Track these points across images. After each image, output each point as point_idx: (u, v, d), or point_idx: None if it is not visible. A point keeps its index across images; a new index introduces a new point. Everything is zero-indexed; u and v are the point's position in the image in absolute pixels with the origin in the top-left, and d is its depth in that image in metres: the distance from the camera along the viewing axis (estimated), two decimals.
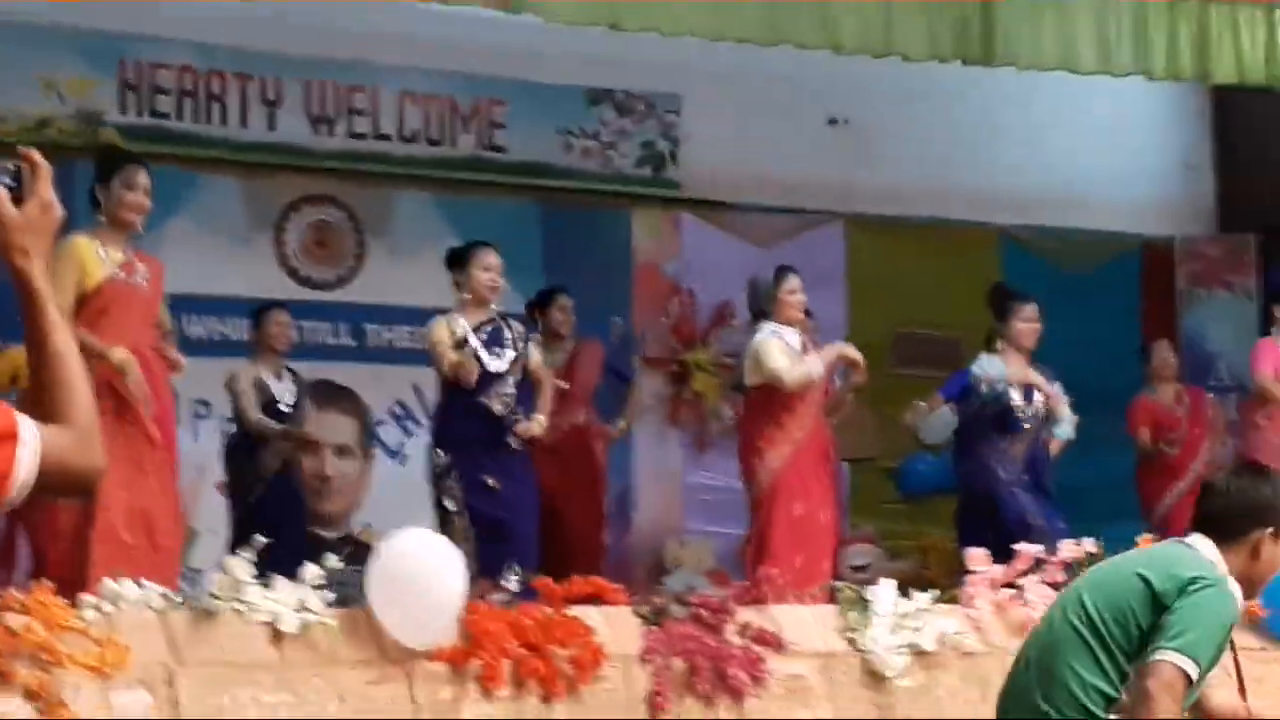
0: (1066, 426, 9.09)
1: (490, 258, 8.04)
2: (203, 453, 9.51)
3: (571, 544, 8.94)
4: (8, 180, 2.57)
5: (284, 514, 8.67)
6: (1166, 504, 9.92)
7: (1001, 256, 12.29)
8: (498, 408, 7.84)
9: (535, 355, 8.19)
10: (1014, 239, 12.34)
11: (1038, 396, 8.93)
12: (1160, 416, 10.35)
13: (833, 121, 11.98)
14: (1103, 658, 4.37)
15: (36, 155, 2.60)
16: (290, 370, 9.16)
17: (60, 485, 2.51)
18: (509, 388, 7.86)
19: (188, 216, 10.21)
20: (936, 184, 12.03)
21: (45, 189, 2.60)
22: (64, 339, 2.56)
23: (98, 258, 6.91)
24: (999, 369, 8.99)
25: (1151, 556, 4.64)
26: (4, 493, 2.46)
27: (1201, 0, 9.57)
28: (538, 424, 7.92)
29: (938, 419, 11.73)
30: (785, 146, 11.65)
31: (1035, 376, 8.96)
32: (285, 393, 9.02)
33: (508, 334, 7.98)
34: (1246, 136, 12.76)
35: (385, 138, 10.96)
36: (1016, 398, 8.90)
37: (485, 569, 7.31)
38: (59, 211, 2.62)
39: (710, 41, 9.44)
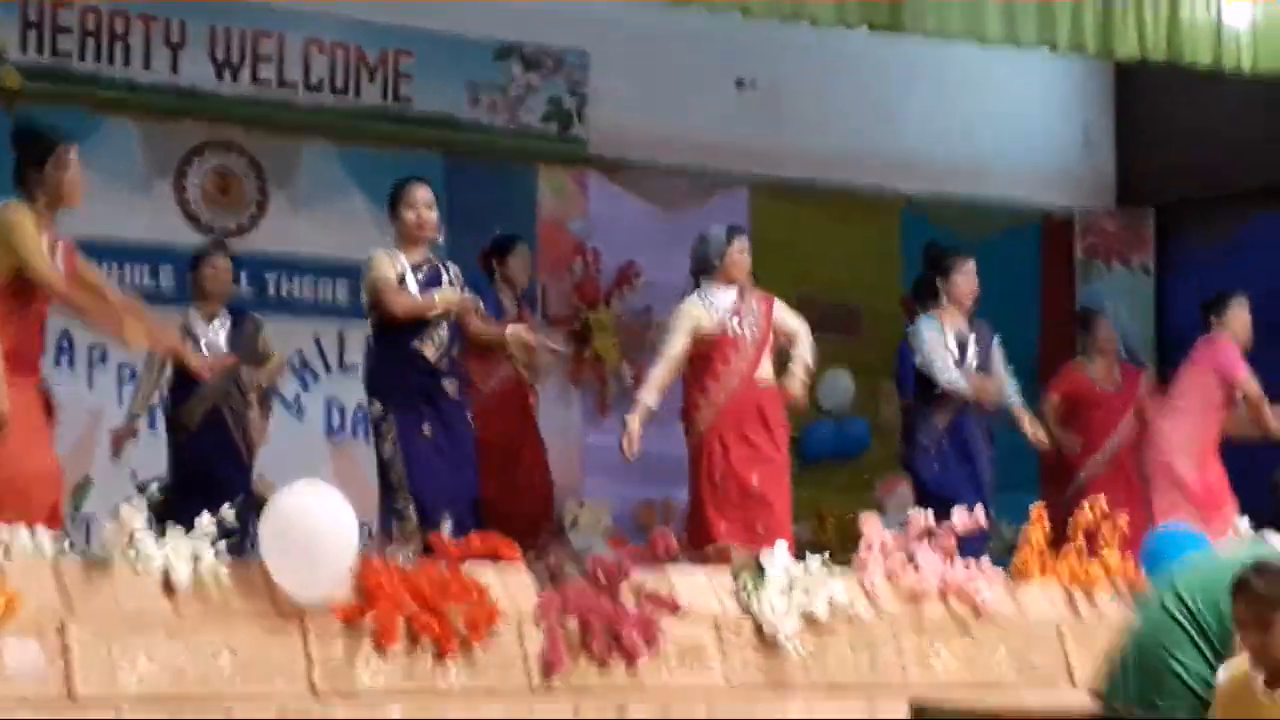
0: (1013, 393, 9.11)
1: (417, 193, 7.85)
2: (97, 400, 9.44)
3: (522, 495, 8.92)
4: None
5: (214, 461, 8.65)
6: (1082, 477, 9.87)
7: (902, 224, 12.37)
8: (430, 352, 7.68)
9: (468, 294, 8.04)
10: (915, 206, 12.41)
11: (969, 361, 8.95)
12: (1081, 388, 10.31)
13: (740, 84, 11.98)
14: (1203, 646, 4.76)
15: None
16: (236, 313, 9.03)
17: None
18: (443, 331, 7.70)
19: (88, 160, 9.86)
20: (842, 150, 12.08)
21: None
22: None
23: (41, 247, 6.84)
24: (934, 331, 9.00)
25: (1243, 553, 5.00)
26: None
27: None
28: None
29: (836, 385, 11.85)
30: (693, 107, 11.66)
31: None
32: (213, 340, 8.87)
33: (445, 276, 7.83)
34: (1147, 112, 12.88)
35: (290, 86, 10.85)
36: (945, 365, 8.90)
37: (422, 519, 7.29)
38: None
39: None
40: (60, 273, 6.71)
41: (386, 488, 7.51)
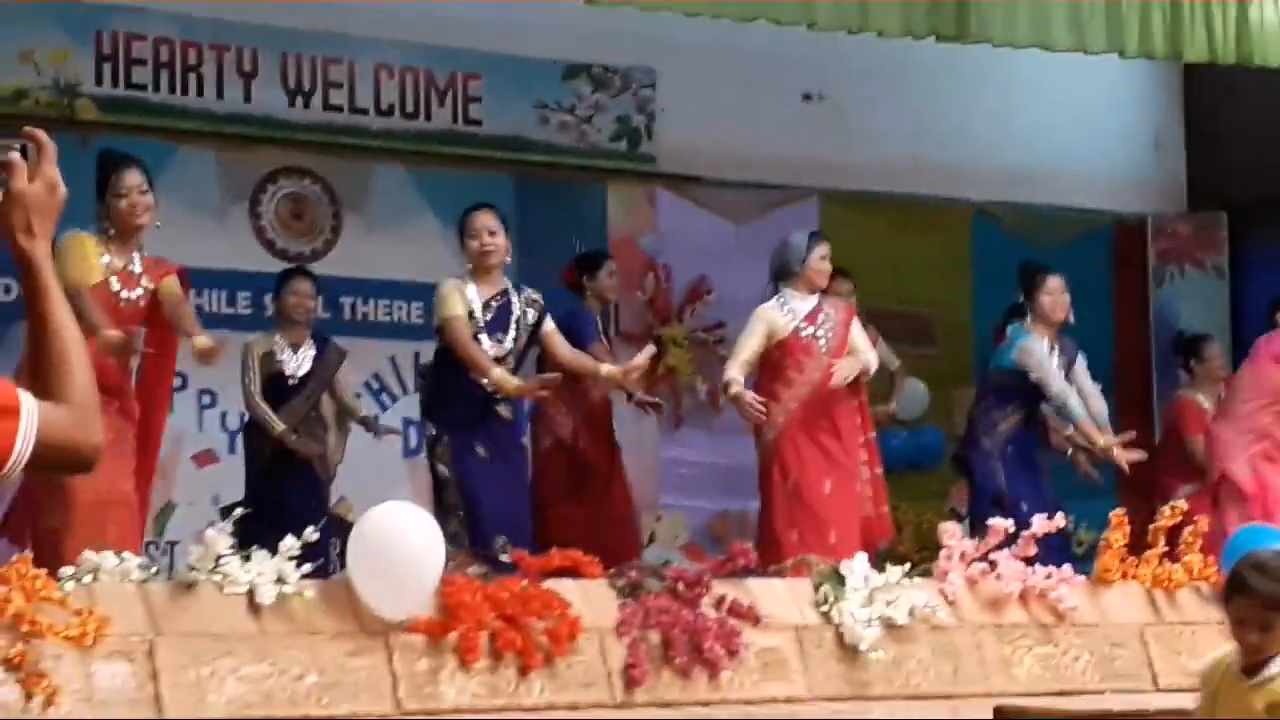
0: (1083, 410, 8.91)
1: (478, 221, 7.84)
2: (179, 424, 9.50)
3: (609, 515, 8.87)
4: (17, 156, 2.57)
5: (291, 487, 8.63)
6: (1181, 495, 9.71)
7: (973, 233, 12.34)
8: (487, 382, 7.73)
9: (548, 326, 8.02)
10: (985, 215, 12.38)
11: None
12: (1194, 420, 10.08)
13: (807, 97, 11.99)
14: None
15: (42, 134, 2.60)
16: (320, 340, 9.02)
17: (57, 461, 2.52)
18: (506, 368, 7.73)
19: (164, 188, 10.01)
20: (910, 160, 12.07)
21: (51, 169, 2.60)
22: (64, 317, 2.56)
23: (98, 262, 6.95)
24: (1039, 345, 8.92)
25: None
26: (4, 466, 2.46)
27: None
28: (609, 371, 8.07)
29: (912, 394, 11.81)
30: (760, 122, 11.67)
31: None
32: (297, 366, 8.88)
33: (514, 313, 7.82)
34: (1216, 115, 12.81)
35: (361, 111, 10.94)
36: (1059, 380, 8.82)
37: (474, 539, 7.33)
38: (64, 192, 2.62)
39: (687, 16, 9.47)
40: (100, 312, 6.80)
41: (441, 507, 7.53)
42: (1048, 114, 12.37)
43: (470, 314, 7.68)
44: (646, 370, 10.87)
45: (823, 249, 8.43)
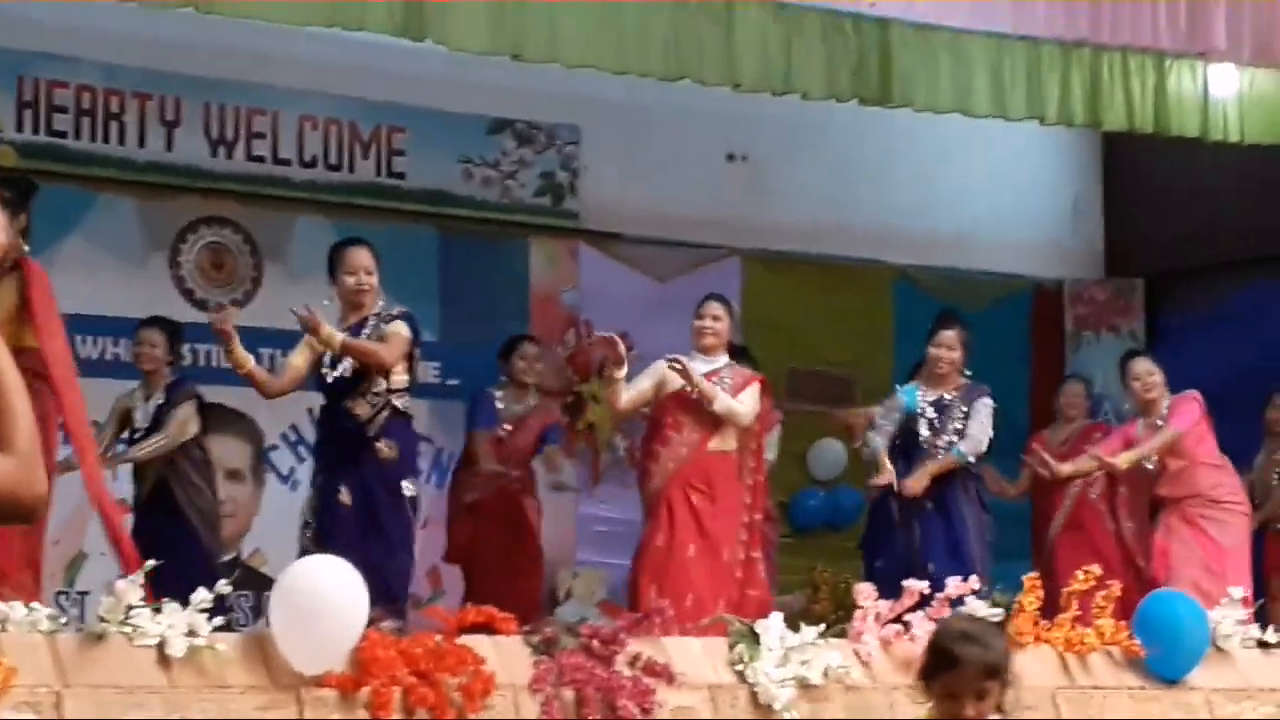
0: (964, 446, 8.81)
1: (357, 257, 7.80)
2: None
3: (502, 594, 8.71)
4: None
5: (165, 539, 8.48)
6: (1049, 538, 10.00)
7: (894, 295, 12.41)
8: (363, 411, 7.62)
9: (391, 327, 7.70)
10: (907, 278, 12.46)
11: (952, 425, 8.83)
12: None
13: (731, 157, 12.07)
14: None
15: None
16: (171, 386, 8.91)
17: (1, 511, 2.50)
18: (378, 388, 7.64)
19: (83, 236, 10.16)
20: (833, 222, 12.14)
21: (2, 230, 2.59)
22: (6, 366, 2.55)
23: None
24: (910, 398, 8.96)
25: None
26: None
27: (1093, 48, 9.70)
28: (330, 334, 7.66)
29: (828, 454, 11.85)
30: (683, 181, 11.73)
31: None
32: (144, 415, 8.83)
33: (365, 332, 7.71)
34: (1134, 183, 12.95)
35: (284, 162, 10.93)
36: (922, 427, 8.86)
37: None
38: (18, 244, 2.61)
39: (611, 74, 9.50)
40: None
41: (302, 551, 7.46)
42: (969, 178, 12.48)
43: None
44: (565, 424, 10.96)
45: (709, 307, 8.50)
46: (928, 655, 4.35)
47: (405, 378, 7.75)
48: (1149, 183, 12.71)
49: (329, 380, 7.73)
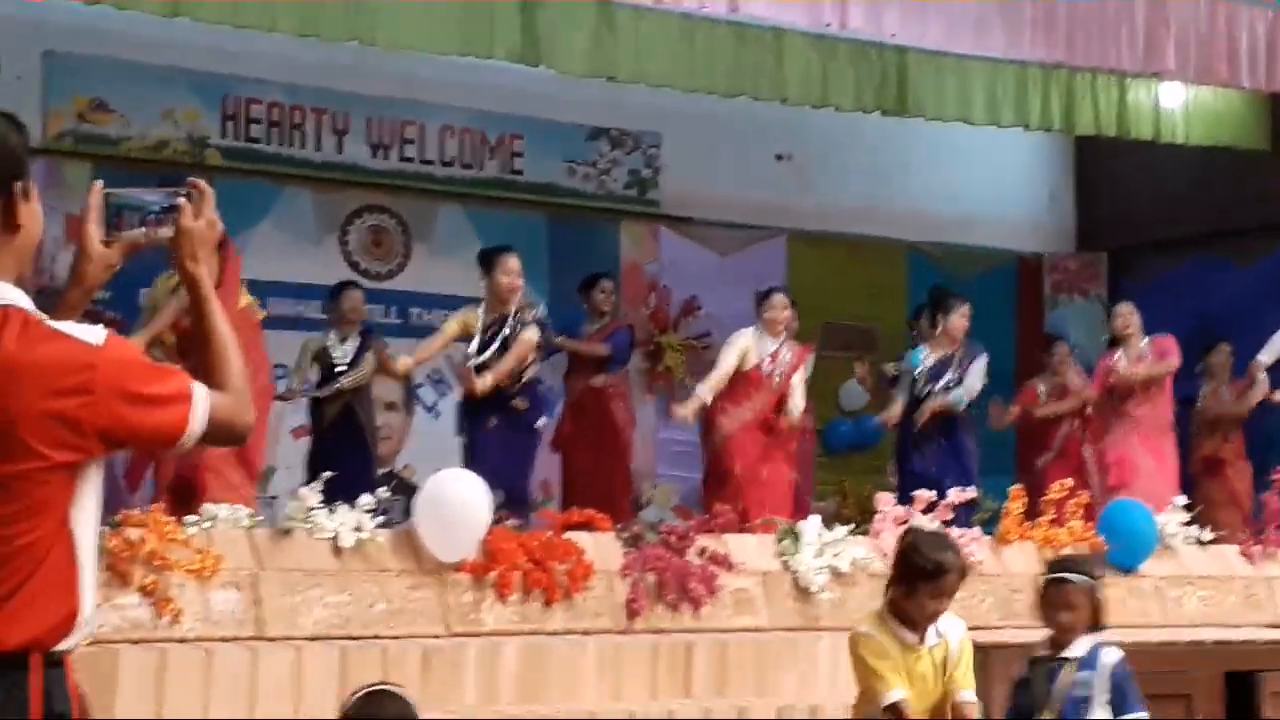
0: (960, 392, 8.84)
1: (511, 262, 7.83)
2: (279, 405, 9.48)
3: (595, 485, 8.70)
4: (185, 200, 2.59)
5: (346, 453, 8.56)
6: (1040, 465, 9.74)
7: (907, 265, 12.32)
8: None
9: (524, 334, 7.81)
10: (917, 251, 12.36)
11: (949, 375, 8.82)
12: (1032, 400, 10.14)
13: (779, 157, 11.98)
14: None
15: (203, 183, 2.63)
16: (364, 334, 8.88)
17: (220, 437, 2.52)
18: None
19: (271, 221, 10.21)
20: (859, 208, 12.06)
21: (210, 210, 2.62)
22: (222, 323, 2.58)
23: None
24: (915, 360, 8.91)
25: None
26: (179, 440, 2.47)
27: (1068, 69, 9.58)
28: (481, 381, 7.68)
29: (854, 390, 11.80)
30: (742, 175, 11.67)
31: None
32: (344, 354, 8.79)
33: (497, 339, 7.77)
34: (1100, 175, 12.80)
35: (429, 162, 10.94)
36: (924, 380, 8.81)
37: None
38: (221, 228, 2.65)
39: (685, 92, 9.46)
40: None
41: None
42: (967, 172, 12.35)
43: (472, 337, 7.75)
44: (647, 369, 10.95)
45: (778, 299, 8.45)
46: (910, 564, 4.25)
47: (535, 363, 7.89)
48: (1112, 175, 12.56)
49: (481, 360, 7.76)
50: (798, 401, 8.39)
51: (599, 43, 8.71)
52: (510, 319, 7.81)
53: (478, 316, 7.78)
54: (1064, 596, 4.48)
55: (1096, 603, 4.49)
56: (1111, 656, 4.45)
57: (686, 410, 8.17)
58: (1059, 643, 4.49)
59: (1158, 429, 9.21)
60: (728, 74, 9.20)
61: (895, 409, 8.88)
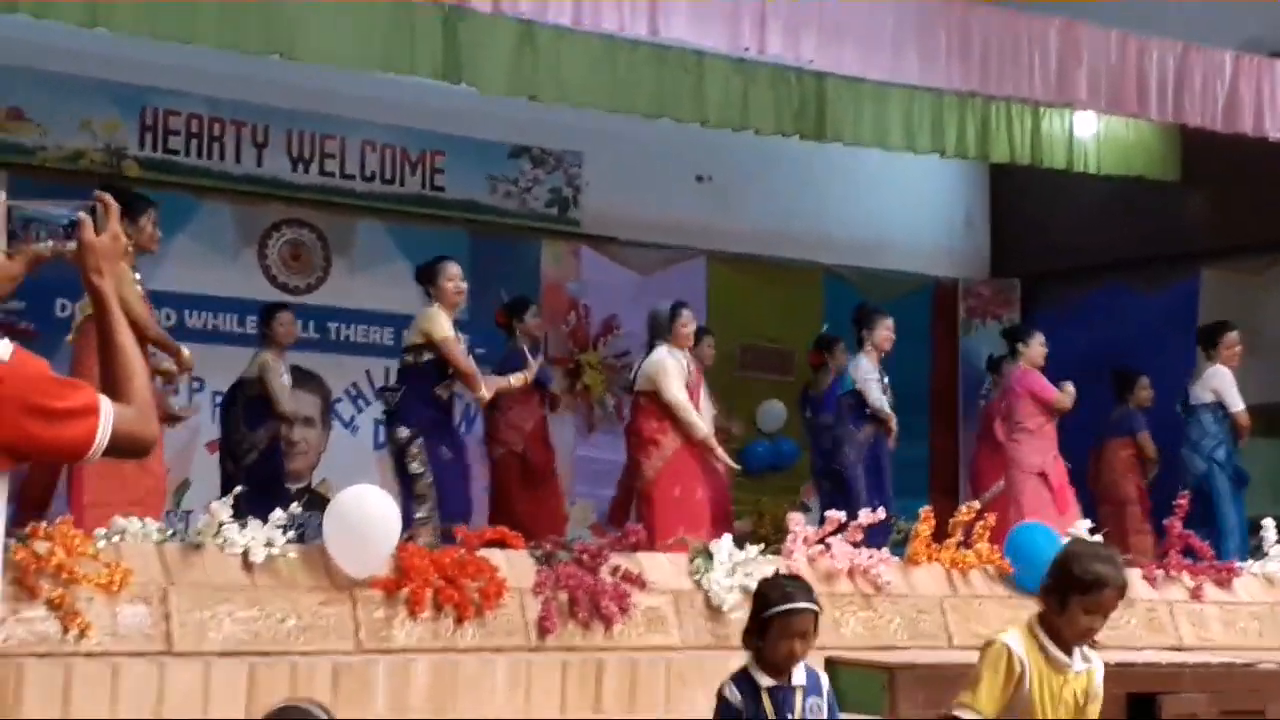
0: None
1: (454, 268, 7.78)
2: (195, 418, 9.43)
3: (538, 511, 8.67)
4: (86, 215, 2.60)
5: (270, 474, 8.56)
6: (993, 493, 9.59)
7: (824, 288, 12.42)
8: (444, 394, 7.72)
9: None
10: (834, 275, 12.47)
11: (889, 395, 8.96)
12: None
13: (700, 178, 12.05)
14: None
15: (108, 196, 2.63)
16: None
17: (124, 449, 2.54)
18: (455, 384, 7.75)
19: (189, 234, 10.14)
20: (778, 230, 12.15)
21: (115, 223, 2.63)
22: (127, 337, 2.59)
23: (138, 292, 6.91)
24: (870, 365, 8.98)
25: None
26: (87, 453, 2.49)
27: (983, 98, 9.71)
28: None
29: (772, 411, 11.88)
30: (663, 196, 11.72)
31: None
32: (285, 380, 8.80)
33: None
34: (1014, 203, 12.97)
35: (350, 176, 10.91)
36: (877, 393, 8.91)
37: (443, 519, 7.31)
38: (124, 241, 2.65)
39: (607, 112, 9.50)
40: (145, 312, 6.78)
41: (411, 494, 7.47)
42: (885, 197, 12.49)
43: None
44: (566, 387, 10.96)
45: (684, 315, 8.41)
46: (1065, 575, 3.85)
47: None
48: (1026, 203, 12.73)
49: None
50: (707, 417, 8.43)
51: (521, 62, 8.74)
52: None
53: (441, 312, 7.68)
54: (805, 624, 4.18)
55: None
56: (825, 678, 4.30)
57: (721, 454, 8.20)
58: (782, 669, 4.17)
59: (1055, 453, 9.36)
60: (649, 95, 9.26)
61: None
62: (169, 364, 7.18)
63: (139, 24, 7.69)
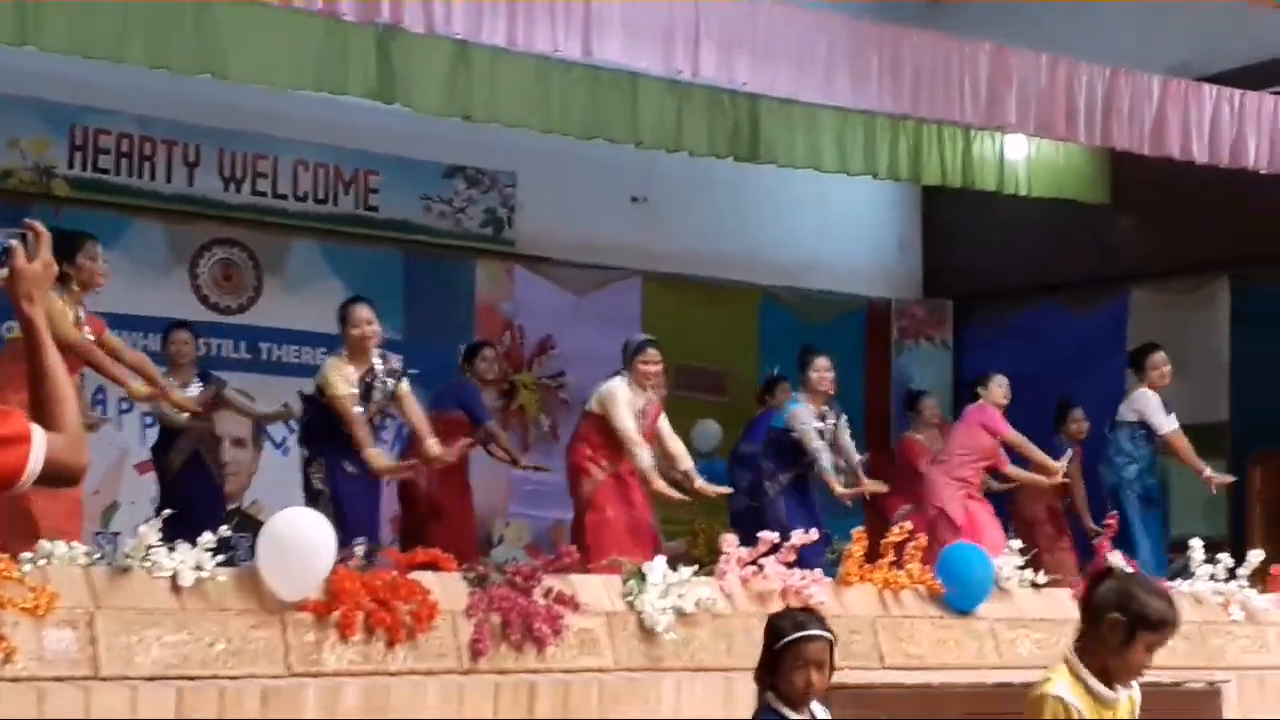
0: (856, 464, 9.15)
1: (363, 311, 7.63)
2: (125, 439, 9.37)
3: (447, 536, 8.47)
4: (17, 242, 2.59)
5: (198, 493, 8.45)
6: (899, 516, 9.50)
7: (760, 309, 12.48)
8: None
9: (403, 389, 7.76)
10: (770, 295, 12.53)
11: (828, 436, 8.98)
12: (923, 452, 10.22)
13: (634, 199, 12.10)
14: None
15: (39, 225, 2.63)
16: (202, 378, 8.76)
17: (55, 477, 2.51)
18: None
19: (120, 252, 10.03)
20: (713, 251, 12.20)
21: (46, 251, 2.62)
22: (57, 364, 2.57)
23: (69, 319, 6.84)
24: (807, 413, 8.95)
25: None
26: (18, 482, 2.47)
27: (915, 120, 9.80)
28: (439, 451, 7.64)
29: (707, 432, 11.90)
30: (598, 216, 11.75)
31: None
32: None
33: (376, 386, 7.67)
34: (947, 225, 13.09)
35: (282, 196, 10.87)
36: (816, 440, 8.88)
37: (341, 538, 7.25)
38: (55, 269, 2.64)
39: (541, 132, 9.52)
40: (84, 338, 6.74)
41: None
42: (819, 218, 12.57)
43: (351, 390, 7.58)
44: (501, 407, 10.93)
45: (650, 353, 8.33)
46: (1144, 615, 3.68)
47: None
48: (958, 225, 12.85)
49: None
50: (680, 449, 8.45)
51: (455, 81, 8.76)
52: (379, 372, 7.68)
53: (342, 364, 7.64)
54: (821, 652, 4.02)
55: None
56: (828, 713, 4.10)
57: (661, 487, 8.16)
58: (800, 703, 3.99)
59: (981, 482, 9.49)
60: (583, 116, 9.30)
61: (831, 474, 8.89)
62: (137, 383, 7.14)
63: (70, 43, 7.65)
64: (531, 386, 11.54)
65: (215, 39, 7.96)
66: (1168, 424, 9.36)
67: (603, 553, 7.72)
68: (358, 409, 7.54)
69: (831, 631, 4.09)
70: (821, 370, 8.97)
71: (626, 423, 8.14)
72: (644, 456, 8.16)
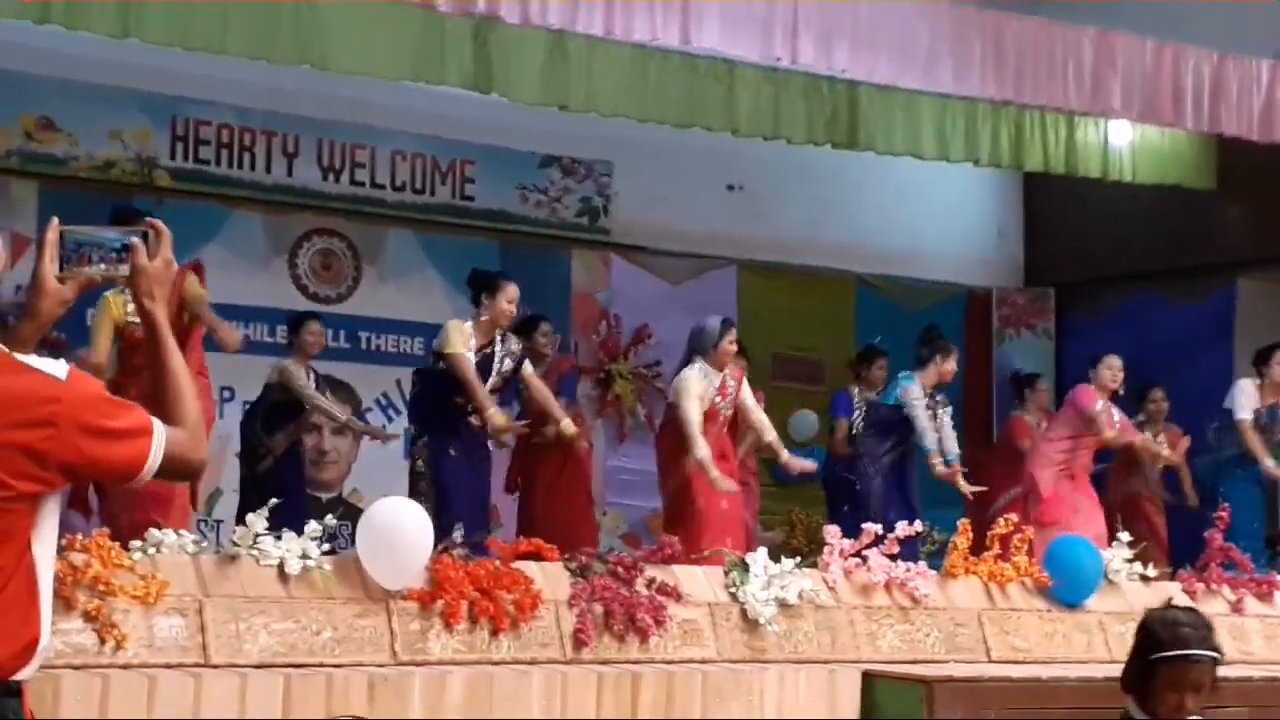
0: (952, 453, 9.09)
1: (513, 290, 7.80)
2: (227, 428, 9.48)
3: (560, 522, 8.59)
4: (138, 240, 2.62)
5: (287, 480, 8.56)
6: (999, 505, 9.61)
7: (856, 297, 12.42)
8: (462, 401, 7.77)
9: (528, 370, 7.95)
10: (866, 284, 12.47)
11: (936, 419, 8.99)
12: (1028, 432, 10.37)
13: (731, 187, 12.07)
14: None
15: (159, 223, 2.66)
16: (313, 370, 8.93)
17: (174, 471, 2.55)
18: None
19: (220, 243, 10.20)
20: (809, 239, 12.15)
21: (167, 249, 2.65)
22: (178, 361, 2.61)
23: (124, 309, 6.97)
24: (919, 392, 8.97)
25: None
26: (139, 475, 2.51)
27: (1018, 107, 9.70)
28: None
29: (805, 421, 11.87)
30: (693, 205, 11.74)
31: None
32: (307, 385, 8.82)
33: (494, 362, 7.77)
34: (1049, 211, 12.96)
35: (380, 186, 10.95)
36: (926, 419, 8.90)
37: (439, 523, 7.31)
38: (175, 266, 2.68)
39: (638, 121, 9.52)
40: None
41: (415, 495, 7.49)
42: (918, 206, 12.48)
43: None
44: (597, 397, 10.98)
45: (731, 334, 8.35)
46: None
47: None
48: (1059, 212, 12.71)
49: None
50: (764, 419, 8.44)
51: (551, 71, 8.77)
52: (499, 346, 7.79)
53: (466, 329, 7.71)
54: (1202, 675, 3.49)
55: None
56: None
57: (712, 472, 8.11)
58: None
59: (1085, 469, 9.43)
60: (679, 105, 9.28)
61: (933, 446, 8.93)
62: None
63: (170, 34, 7.74)
64: (627, 376, 11.55)
65: (314, 31, 8.02)
66: (1238, 410, 9.45)
67: (692, 542, 7.73)
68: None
69: (1219, 649, 3.56)
70: (953, 364, 9.05)
71: (692, 414, 8.15)
72: (702, 447, 8.14)
